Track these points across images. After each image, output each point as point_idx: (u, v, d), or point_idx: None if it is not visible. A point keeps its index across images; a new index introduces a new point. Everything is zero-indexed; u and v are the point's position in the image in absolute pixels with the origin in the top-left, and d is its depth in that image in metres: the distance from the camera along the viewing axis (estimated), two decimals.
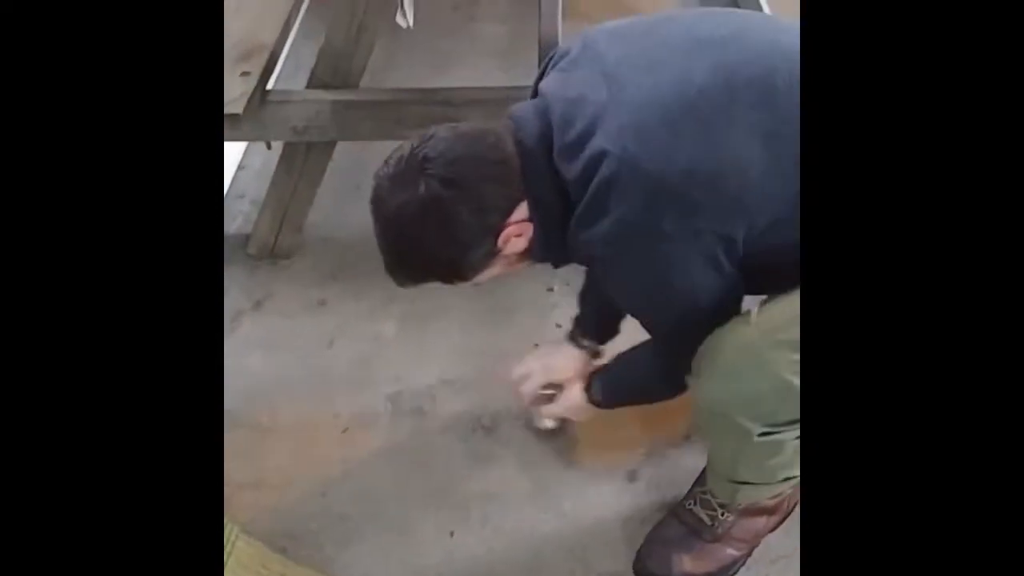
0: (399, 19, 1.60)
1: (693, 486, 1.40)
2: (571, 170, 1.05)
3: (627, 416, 1.55)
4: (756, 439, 1.12)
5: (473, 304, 1.77)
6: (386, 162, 1.09)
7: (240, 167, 2.22)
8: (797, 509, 1.36)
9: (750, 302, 1.12)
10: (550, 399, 1.48)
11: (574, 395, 1.43)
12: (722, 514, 1.32)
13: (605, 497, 1.48)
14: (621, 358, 1.37)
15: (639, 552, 1.38)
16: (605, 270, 1.14)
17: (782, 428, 1.11)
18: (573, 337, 1.52)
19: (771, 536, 1.36)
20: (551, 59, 1.19)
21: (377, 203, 1.10)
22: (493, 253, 1.12)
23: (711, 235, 1.03)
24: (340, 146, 1.87)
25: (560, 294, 1.80)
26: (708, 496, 1.33)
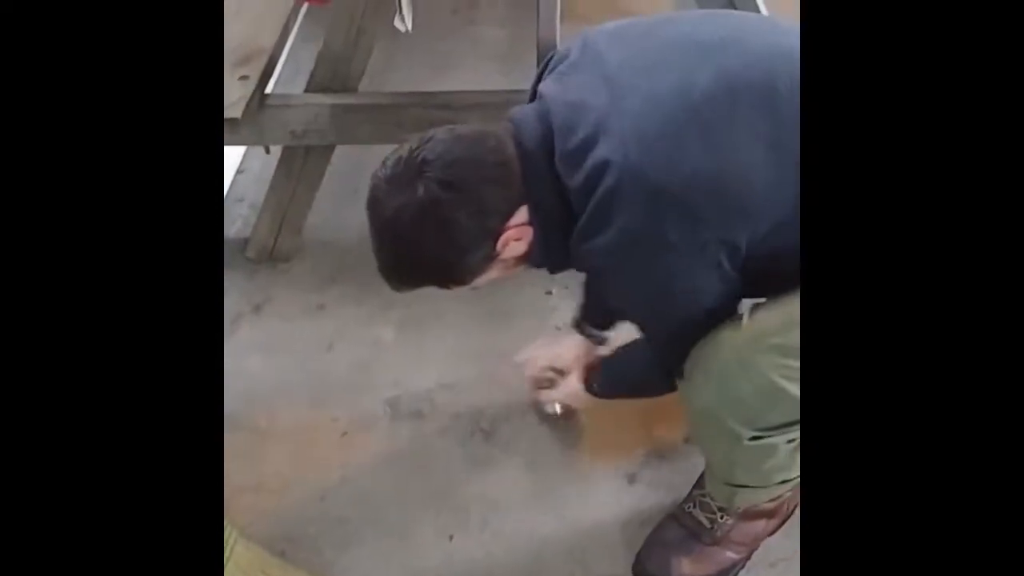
0: (397, 23, 1.60)
1: (692, 489, 1.40)
2: (574, 178, 1.05)
3: (627, 418, 1.56)
4: (747, 443, 1.12)
5: (472, 308, 1.77)
6: (384, 164, 1.08)
7: (239, 171, 2.23)
8: (796, 512, 1.36)
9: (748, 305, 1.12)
10: (552, 384, 1.50)
11: (573, 382, 1.45)
12: (721, 517, 1.32)
13: (604, 500, 1.48)
14: (621, 350, 1.38)
15: (638, 555, 1.38)
16: (608, 279, 1.14)
17: (773, 432, 1.11)
18: (578, 324, 1.53)
19: (770, 539, 1.36)
20: (549, 61, 1.19)
21: (374, 205, 1.09)
22: (491, 257, 1.11)
23: (715, 243, 1.03)
24: (339, 150, 1.87)
25: (559, 297, 1.80)
26: (707, 499, 1.33)
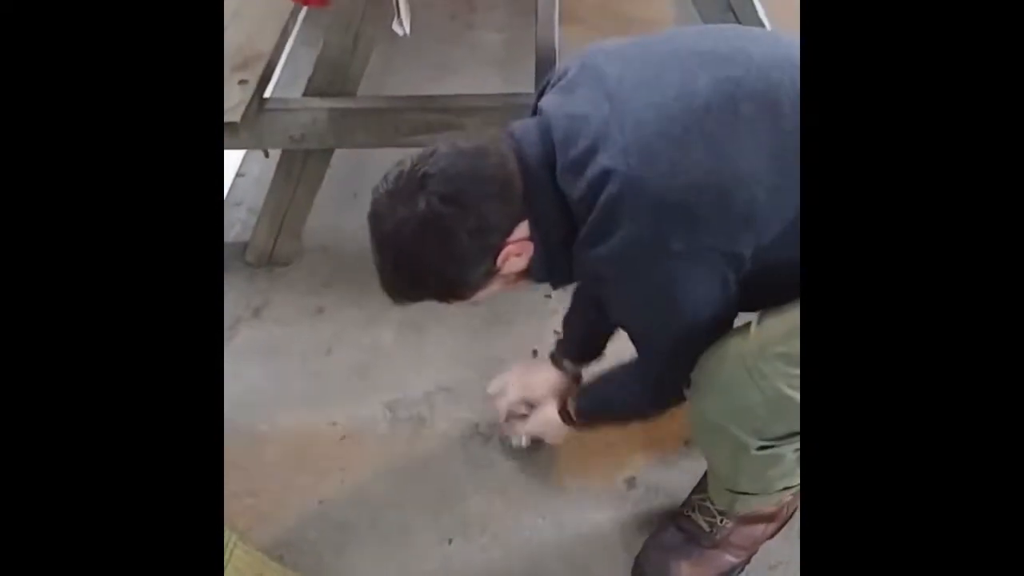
0: (396, 27, 1.61)
1: (692, 493, 1.40)
2: (575, 189, 1.04)
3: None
4: (754, 453, 1.12)
5: (471, 312, 1.77)
6: (385, 178, 1.08)
7: (238, 175, 2.23)
8: (795, 515, 1.36)
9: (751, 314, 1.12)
10: (524, 417, 1.48)
11: (548, 413, 1.42)
12: (721, 521, 1.32)
13: (604, 504, 1.48)
14: (600, 379, 1.37)
15: (637, 559, 1.38)
16: (610, 289, 1.13)
17: (780, 441, 1.11)
18: (554, 358, 1.52)
19: (770, 542, 1.36)
20: (549, 80, 1.18)
21: (375, 219, 1.08)
22: (492, 272, 1.11)
23: (718, 251, 1.03)
24: (338, 154, 1.87)
25: (558, 301, 1.79)
26: (707, 503, 1.33)
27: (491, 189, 1.06)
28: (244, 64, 1.71)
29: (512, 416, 1.51)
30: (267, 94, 1.76)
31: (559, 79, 1.15)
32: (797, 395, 1.01)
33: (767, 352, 1.04)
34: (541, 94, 1.18)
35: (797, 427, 1.06)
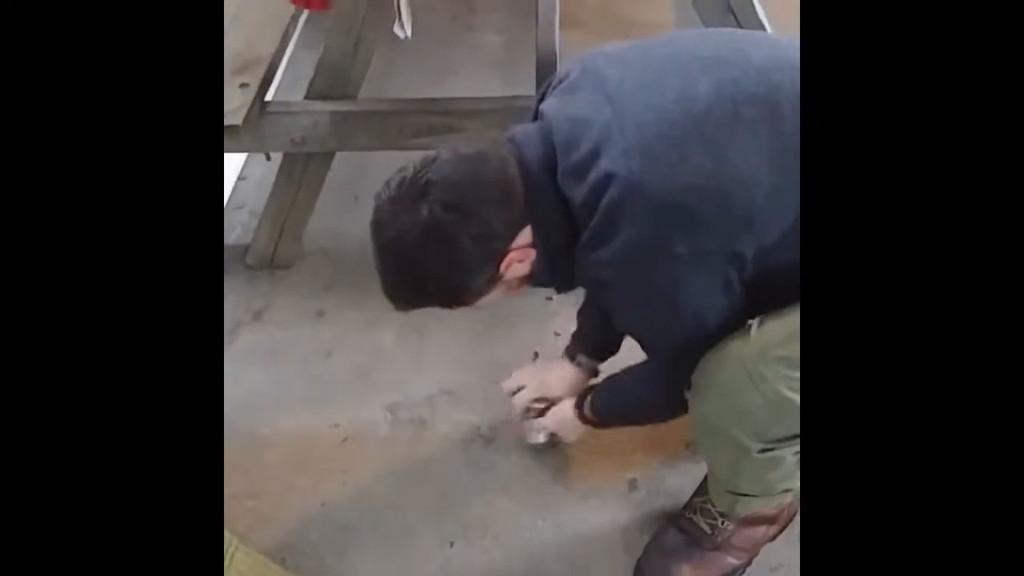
0: (397, 30, 1.61)
1: (693, 495, 1.40)
2: (577, 193, 1.04)
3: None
4: (755, 455, 1.12)
5: (472, 314, 1.74)
6: (387, 185, 1.07)
7: (240, 178, 2.23)
8: (797, 517, 1.35)
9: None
10: (541, 414, 1.48)
11: (564, 411, 1.42)
12: (722, 523, 1.32)
13: (605, 506, 1.48)
14: (616, 378, 1.36)
15: (639, 561, 1.38)
16: (612, 291, 1.13)
17: (781, 444, 1.11)
18: (570, 354, 1.51)
19: (771, 544, 1.36)
20: (550, 83, 1.18)
21: (377, 227, 1.08)
22: (495, 278, 1.11)
23: (720, 253, 1.03)
24: (339, 157, 1.87)
25: (559, 303, 1.80)
26: (708, 505, 1.33)
27: (493, 195, 1.06)
28: (245, 67, 1.72)
29: (529, 413, 1.50)
30: (268, 97, 1.77)
31: (560, 82, 1.15)
32: (797, 398, 1.01)
33: (768, 355, 1.04)
34: (542, 97, 1.18)
35: (798, 430, 1.06)
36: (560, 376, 1.49)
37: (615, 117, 1.02)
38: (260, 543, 1.41)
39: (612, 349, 1.48)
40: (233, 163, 2.24)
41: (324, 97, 1.73)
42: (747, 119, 1.01)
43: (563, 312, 1.77)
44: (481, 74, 2.51)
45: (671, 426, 1.52)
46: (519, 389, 1.51)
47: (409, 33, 1.62)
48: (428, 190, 1.03)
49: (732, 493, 1.24)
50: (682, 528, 1.37)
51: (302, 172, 1.84)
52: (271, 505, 1.49)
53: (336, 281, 1.92)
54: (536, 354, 1.71)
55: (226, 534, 1.30)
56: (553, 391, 1.48)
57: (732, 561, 1.34)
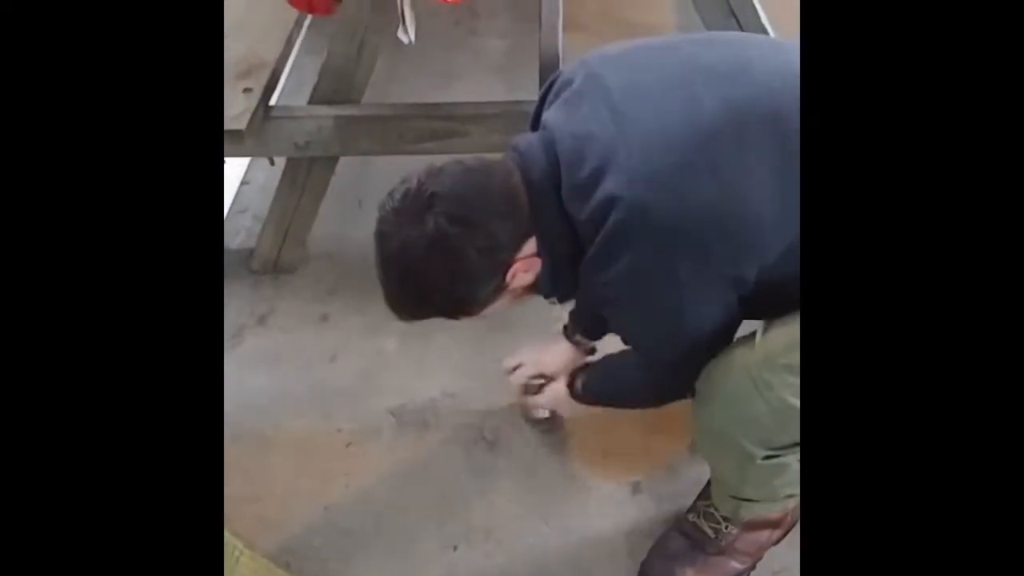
0: (400, 35, 1.61)
1: (697, 499, 1.40)
2: (582, 211, 1.04)
3: (630, 427, 1.55)
4: (760, 462, 1.12)
5: (475, 319, 1.77)
6: (390, 196, 1.07)
7: (243, 182, 2.23)
8: None
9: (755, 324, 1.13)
10: (539, 390, 1.50)
11: (559, 388, 1.44)
12: (726, 527, 1.32)
13: (608, 510, 1.48)
14: (610, 359, 1.37)
15: (642, 565, 1.38)
16: (615, 309, 1.14)
17: (785, 451, 1.11)
18: (567, 332, 1.53)
19: (775, 549, 1.35)
20: (551, 85, 1.18)
21: (381, 238, 1.08)
22: (500, 289, 1.11)
23: (724, 280, 1.04)
24: (342, 161, 1.87)
25: (562, 307, 1.79)
26: (712, 509, 1.33)
27: (498, 207, 1.06)
28: (249, 72, 1.72)
29: (527, 391, 1.52)
30: (272, 102, 1.77)
31: (563, 88, 1.14)
32: None
33: (772, 363, 1.04)
34: (543, 99, 1.18)
35: None
36: (557, 354, 1.51)
37: (619, 135, 1.02)
38: (264, 547, 1.41)
39: (608, 329, 1.48)
40: (237, 168, 2.25)
41: (328, 102, 1.74)
42: (752, 138, 1.01)
43: (566, 316, 1.77)
44: (484, 79, 2.51)
45: (674, 430, 1.52)
46: (518, 367, 1.53)
47: (413, 38, 1.62)
48: (433, 202, 1.03)
49: (736, 498, 1.24)
50: (686, 532, 1.36)
51: (306, 177, 1.84)
52: (275, 509, 1.50)
53: (340, 285, 1.92)
54: None
55: (231, 538, 1.30)
56: (550, 368, 1.50)
57: (736, 565, 1.34)
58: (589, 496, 1.50)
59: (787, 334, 1.04)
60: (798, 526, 1.35)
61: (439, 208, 1.03)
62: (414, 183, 1.06)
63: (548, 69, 1.62)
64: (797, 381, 1.01)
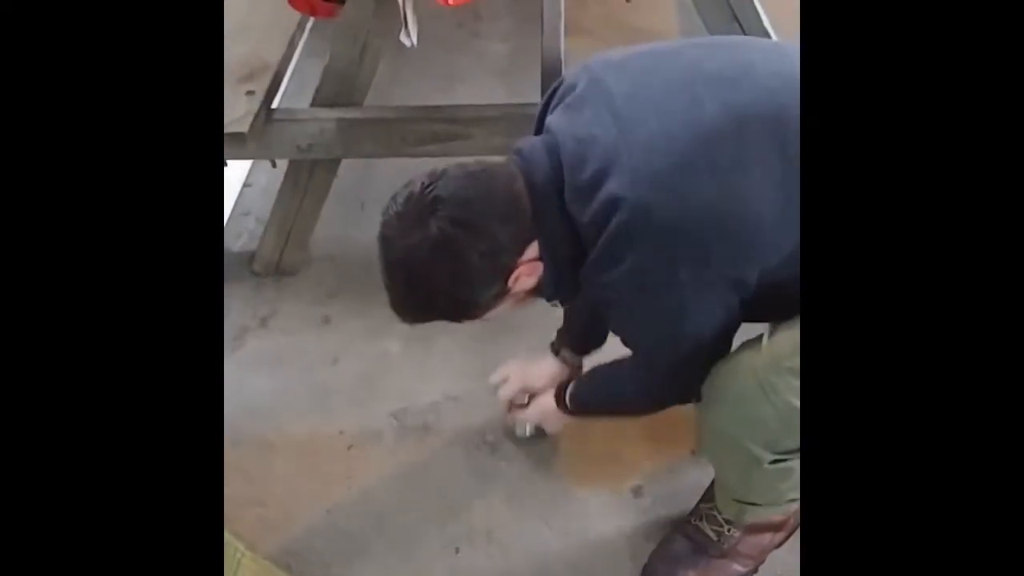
0: (403, 37, 1.61)
1: (699, 502, 1.40)
2: (584, 213, 1.05)
3: (632, 430, 1.55)
4: (767, 466, 1.12)
5: (477, 321, 1.76)
6: (394, 200, 1.07)
7: (245, 185, 2.24)
8: None
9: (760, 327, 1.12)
10: (525, 406, 1.50)
11: (545, 402, 1.44)
12: (728, 530, 1.32)
13: (610, 513, 1.48)
14: (601, 370, 1.37)
15: (644, 568, 1.38)
16: (616, 312, 1.14)
17: (791, 455, 1.10)
18: (555, 348, 1.53)
19: (777, 552, 1.35)
20: (555, 91, 1.18)
21: (385, 242, 1.08)
22: (503, 292, 1.11)
23: (726, 282, 1.04)
24: (345, 164, 1.88)
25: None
26: (714, 512, 1.33)
27: (501, 211, 1.06)
28: (251, 75, 1.72)
29: (514, 406, 1.52)
30: (274, 105, 1.77)
31: (566, 93, 1.14)
32: None
33: (778, 366, 1.04)
34: (547, 104, 1.18)
35: None
36: (544, 368, 1.51)
37: (622, 138, 1.02)
38: (265, 549, 1.41)
39: (596, 345, 1.51)
40: (239, 170, 2.25)
41: (330, 104, 1.74)
42: (754, 141, 1.01)
43: None
44: (486, 81, 2.51)
45: (676, 433, 1.52)
46: (504, 381, 1.53)
47: (415, 41, 1.63)
48: (436, 206, 1.03)
49: (739, 501, 1.24)
50: (688, 535, 1.36)
51: (308, 179, 1.84)
52: (277, 512, 1.50)
53: (342, 288, 1.92)
54: None
55: (233, 541, 1.30)
56: (536, 383, 1.50)
57: (738, 568, 1.34)
58: (590, 499, 1.50)
59: (793, 337, 1.03)
60: None
61: (442, 212, 1.03)
62: (417, 187, 1.06)
63: (550, 73, 1.63)
64: None
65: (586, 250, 1.07)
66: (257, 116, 1.63)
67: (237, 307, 1.88)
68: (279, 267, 1.96)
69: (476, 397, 1.66)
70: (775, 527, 1.32)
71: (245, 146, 1.62)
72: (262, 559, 1.37)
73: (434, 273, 1.06)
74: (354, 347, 1.79)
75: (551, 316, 1.79)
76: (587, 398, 1.38)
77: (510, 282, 1.09)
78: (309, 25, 2.17)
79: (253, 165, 2.27)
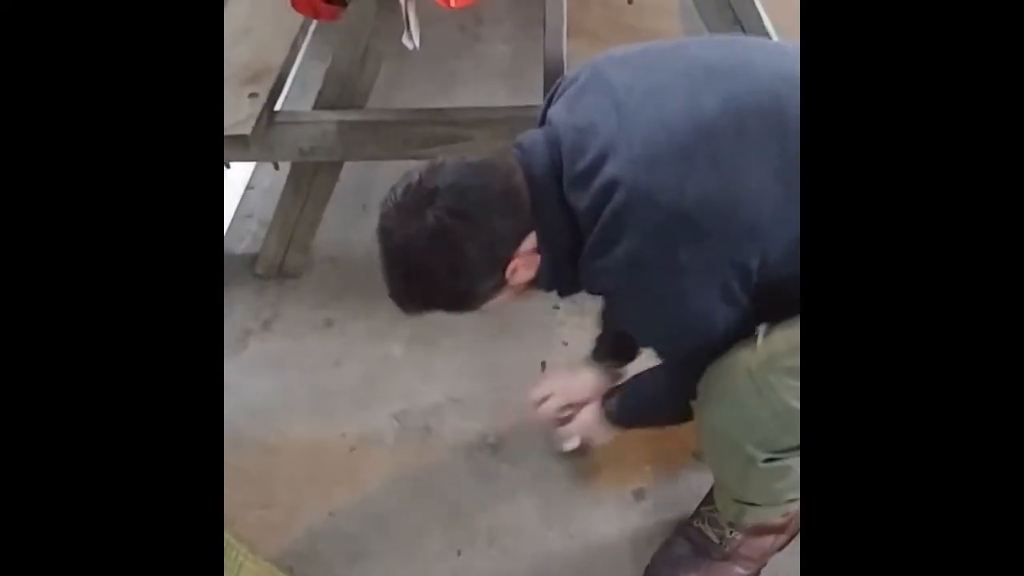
0: (405, 40, 1.61)
1: (700, 505, 1.39)
2: (582, 200, 1.05)
3: (634, 434, 1.55)
4: (761, 465, 1.11)
5: (479, 323, 1.77)
6: (393, 190, 1.08)
7: (248, 187, 2.24)
8: None
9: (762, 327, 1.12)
10: (568, 420, 1.47)
11: (590, 414, 1.42)
12: (730, 532, 1.32)
13: (612, 515, 1.48)
14: (638, 379, 1.36)
15: (646, 571, 1.37)
16: (617, 301, 1.14)
17: (787, 454, 1.10)
18: (594, 356, 1.51)
19: (779, 555, 1.35)
20: (558, 86, 1.19)
21: (384, 233, 1.08)
22: (500, 283, 1.11)
23: (725, 265, 1.03)
24: (347, 166, 1.88)
25: (566, 313, 1.80)
26: (716, 515, 1.33)
27: (499, 202, 1.06)
28: (254, 77, 1.73)
29: (557, 421, 1.49)
30: (277, 107, 1.78)
31: (568, 86, 1.15)
32: None
33: (775, 365, 1.04)
34: (550, 101, 1.19)
35: None
36: (584, 381, 1.49)
37: (622, 126, 1.03)
38: (268, 552, 1.41)
39: (635, 351, 1.48)
40: (242, 173, 2.25)
41: (332, 107, 1.74)
42: (753, 133, 1.01)
43: (570, 321, 1.78)
44: (488, 84, 2.52)
45: (678, 436, 1.52)
46: (547, 398, 1.50)
47: (417, 43, 1.63)
48: (434, 197, 1.04)
49: (739, 502, 1.24)
50: (690, 538, 1.36)
51: (310, 182, 1.84)
52: (279, 514, 1.50)
53: (344, 291, 1.92)
54: (543, 364, 1.71)
55: (235, 543, 1.30)
56: (579, 396, 1.47)
57: (740, 571, 1.34)
58: (593, 502, 1.50)
59: (789, 337, 1.04)
60: None
61: (440, 203, 1.04)
62: (416, 178, 1.07)
63: (553, 74, 1.63)
64: (799, 384, 1.01)
65: (584, 240, 1.07)
66: (260, 119, 1.64)
67: (240, 310, 1.88)
68: (281, 270, 1.96)
69: (478, 399, 1.67)
70: (777, 530, 1.32)
71: (248, 148, 1.63)
72: (264, 561, 1.37)
73: (432, 263, 1.06)
74: (356, 349, 1.79)
75: (553, 318, 1.80)
76: (629, 408, 1.36)
77: (508, 273, 1.09)
78: (312, 28, 2.18)
79: (256, 167, 2.27)
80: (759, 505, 1.23)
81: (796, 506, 1.25)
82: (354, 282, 1.92)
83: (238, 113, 1.63)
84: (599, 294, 1.18)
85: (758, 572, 1.35)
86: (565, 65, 1.64)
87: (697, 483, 1.46)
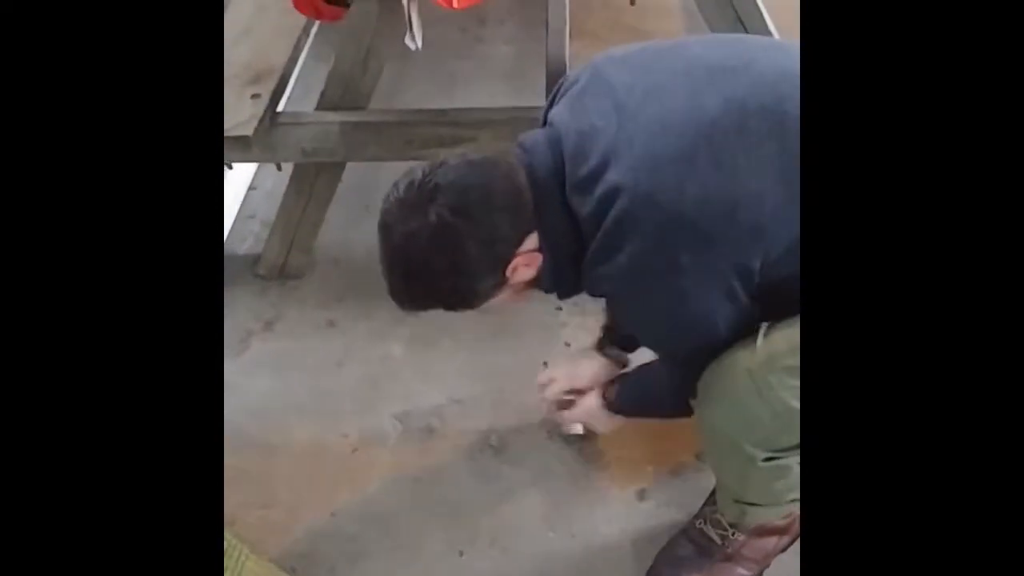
0: (407, 41, 1.61)
1: (703, 505, 1.39)
2: (585, 205, 1.05)
3: (637, 434, 1.55)
4: (760, 464, 1.11)
5: (481, 324, 1.77)
6: (395, 187, 1.08)
7: (250, 188, 2.24)
8: None
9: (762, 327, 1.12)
10: (572, 405, 1.48)
11: (592, 400, 1.42)
12: (732, 533, 1.31)
13: (615, 516, 1.47)
14: (641, 369, 1.37)
15: (649, 572, 1.37)
16: (621, 304, 1.14)
17: (786, 453, 1.10)
18: (600, 345, 1.52)
19: (782, 556, 1.35)
20: (560, 87, 1.19)
21: (385, 229, 1.08)
22: (501, 283, 1.11)
23: (727, 267, 1.03)
24: (349, 167, 1.88)
25: (568, 313, 1.80)
26: (718, 515, 1.33)
27: (501, 201, 1.06)
28: (257, 78, 1.73)
29: (560, 406, 1.50)
30: (279, 108, 1.78)
31: (569, 87, 1.15)
32: None
33: (774, 365, 1.04)
34: (551, 102, 1.19)
35: None
36: (589, 367, 1.49)
37: (623, 129, 1.03)
38: (269, 552, 1.41)
39: (639, 343, 1.48)
40: (244, 174, 2.25)
41: (335, 108, 1.74)
42: (754, 133, 1.01)
43: (572, 322, 1.78)
44: (491, 85, 2.52)
45: (681, 436, 1.52)
46: (551, 382, 1.51)
47: (419, 44, 1.63)
48: (436, 194, 1.04)
49: (740, 503, 1.24)
50: (692, 538, 1.36)
51: (313, 183, 1.84)
52: (281, 514, 1.50)
53: (346, 292, 1.92)
54: (545, 364, 1.70)
55: (236, 543, 1.30)
56: (583, 383, 1.47)
57: (742, 572, 1.33)
58: (595, 502, 1.50)
59: (789, 336, 1.03)
60: None
61: (441, 200, 1.04)
62: (418, 175, 1.07)
63: (555, 75, 1.63)
64: (798, 384, 1.01)
65: (586, 244, 1.07)
66: (262, 119, 1.64)
67: (242, 310, 1.88)
68: (284, 270, 1.96)
69: (480, 399, 1.67)
70: (780, 531, 1.32)
71: (250, 149, 1.63)
72: (266, 562, 1.37)
73: (432, 261, 1.06)
74: (358, 350, 1.79)
75: (555, 318, 1.80)
76: (630, 398, 1.37)
77: (508, 272, 1.09)
78: (314, 29, 2.18)
79: (258, 168, 2.27)
80: (760, 505, 1.22)
81: (796, 507, 1.25)
82: (356, 283, 1.92)
83: (240, 114, 1.63)
84: (601, 297, 1.18)
85: (761, 573, 1.35)
86: (567, 66, 1.64)
87: (700, 484, 1.46)
